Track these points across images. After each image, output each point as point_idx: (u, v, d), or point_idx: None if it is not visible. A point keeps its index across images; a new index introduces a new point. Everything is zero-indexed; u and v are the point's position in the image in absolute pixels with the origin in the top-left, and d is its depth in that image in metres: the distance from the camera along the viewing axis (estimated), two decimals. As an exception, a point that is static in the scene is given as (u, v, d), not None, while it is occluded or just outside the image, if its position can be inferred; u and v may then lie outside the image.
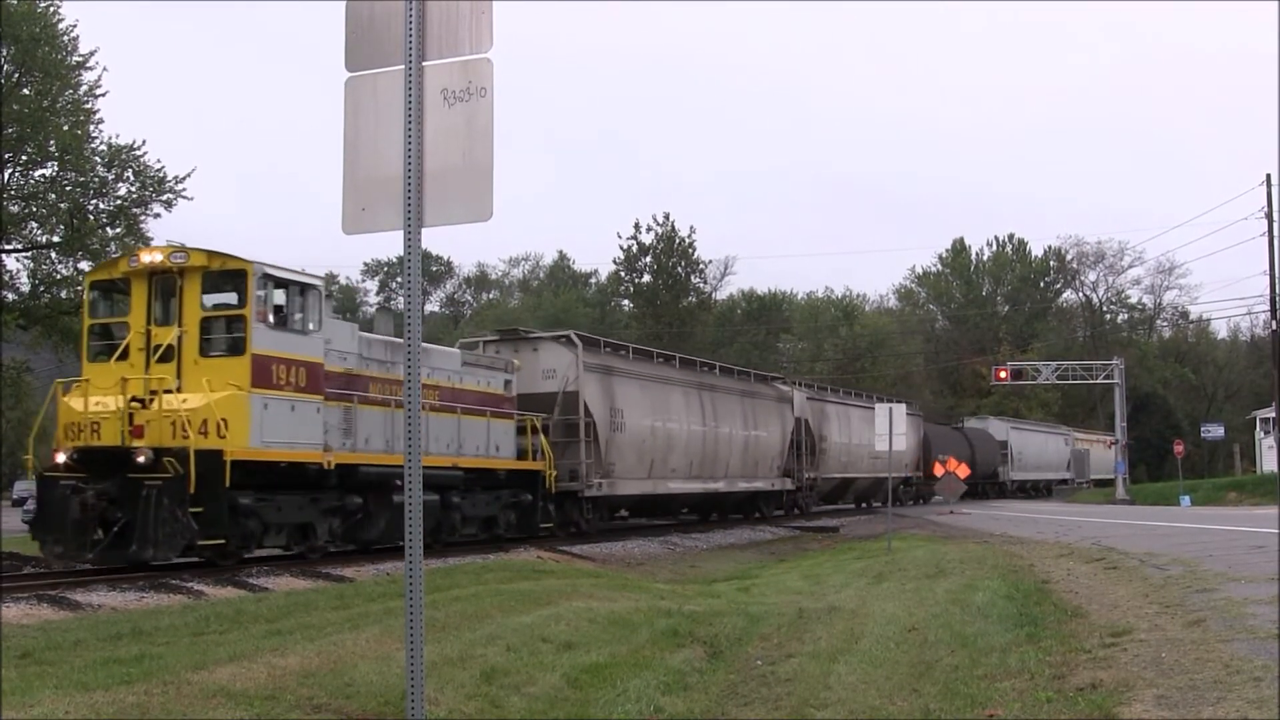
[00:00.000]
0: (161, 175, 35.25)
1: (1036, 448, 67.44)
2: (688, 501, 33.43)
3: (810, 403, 39.48)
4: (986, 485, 60.15)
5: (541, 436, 24.19)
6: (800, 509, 38.87)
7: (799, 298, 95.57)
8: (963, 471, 34.63)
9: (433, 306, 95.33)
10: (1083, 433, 78.96)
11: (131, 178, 35.04)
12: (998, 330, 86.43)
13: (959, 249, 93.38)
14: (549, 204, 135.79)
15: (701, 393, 31.71)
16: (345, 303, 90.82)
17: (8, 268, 33.21)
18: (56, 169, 34.42)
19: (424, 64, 5.53)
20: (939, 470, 36.85)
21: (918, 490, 51.55)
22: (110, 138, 35.02)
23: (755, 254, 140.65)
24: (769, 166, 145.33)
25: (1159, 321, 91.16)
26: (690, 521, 35.31)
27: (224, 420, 16.25)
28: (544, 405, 25.04)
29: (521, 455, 23.88)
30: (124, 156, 34.76)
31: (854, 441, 42.56)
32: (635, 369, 28.98)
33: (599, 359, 27.37)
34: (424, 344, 20.76)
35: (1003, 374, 65.23)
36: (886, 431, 24.90)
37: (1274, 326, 45.31)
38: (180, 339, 16.78)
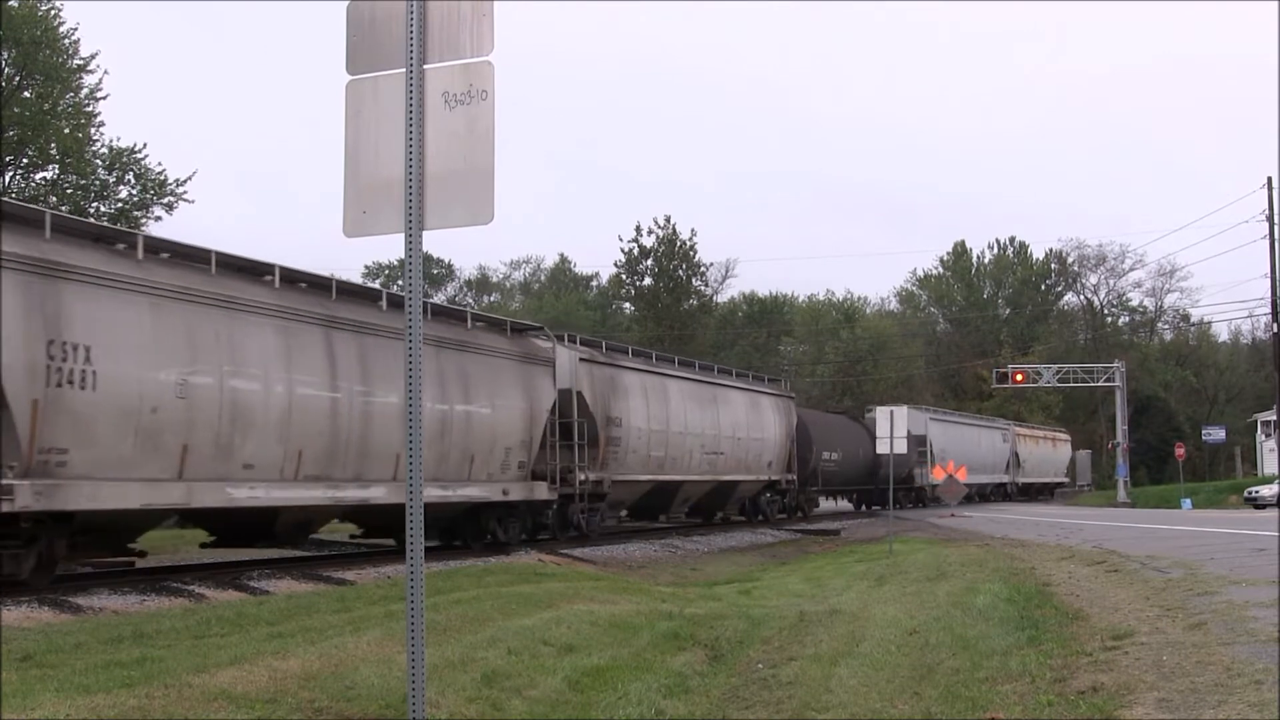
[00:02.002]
0: (163, 178, 35.35)
1: (967, 445, 55.71)
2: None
3: (590, 367, 25.74)
4: (896, 493, 50.18)
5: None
6: (566, 528, 24.80)
7: (800, 301, 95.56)
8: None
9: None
10: (1026, 428, 69.39)
11: (132, 180, 35.13)
12: (999, 333, 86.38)
13: (960, 252, 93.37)
14: (550, 207, 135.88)
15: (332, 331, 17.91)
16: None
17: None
18: (57, 172, 34.49)
19: (425, 67, 5.54)
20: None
21: (794, 502, 38.61)
22: (111, 140, 35.13)
23: (756, 257, 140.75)
24: (769, 170, 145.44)
25: (1160, 324, 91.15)
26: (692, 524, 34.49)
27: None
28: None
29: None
30: (125, 159, 34.85)
31: (675, 428, 29.13)
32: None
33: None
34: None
35: (1019, 376, 64.95)
36: (888, 434, 24.67)
37: (1275, 329, 45.31)
38: None
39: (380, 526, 21.01)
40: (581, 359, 25.48)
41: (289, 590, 15.23)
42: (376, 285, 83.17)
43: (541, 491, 22.87)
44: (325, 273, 19.38)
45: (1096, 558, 17.08)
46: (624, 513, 30.10)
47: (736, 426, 32.90)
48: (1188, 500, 49.80)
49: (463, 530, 22.21)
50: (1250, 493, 48.76)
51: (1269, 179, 45.75)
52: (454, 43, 5.53)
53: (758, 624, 11.96)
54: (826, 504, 49.85)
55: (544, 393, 23.20)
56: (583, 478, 24.68)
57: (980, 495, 59.00)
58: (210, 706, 7.33)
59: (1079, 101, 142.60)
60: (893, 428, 24.60)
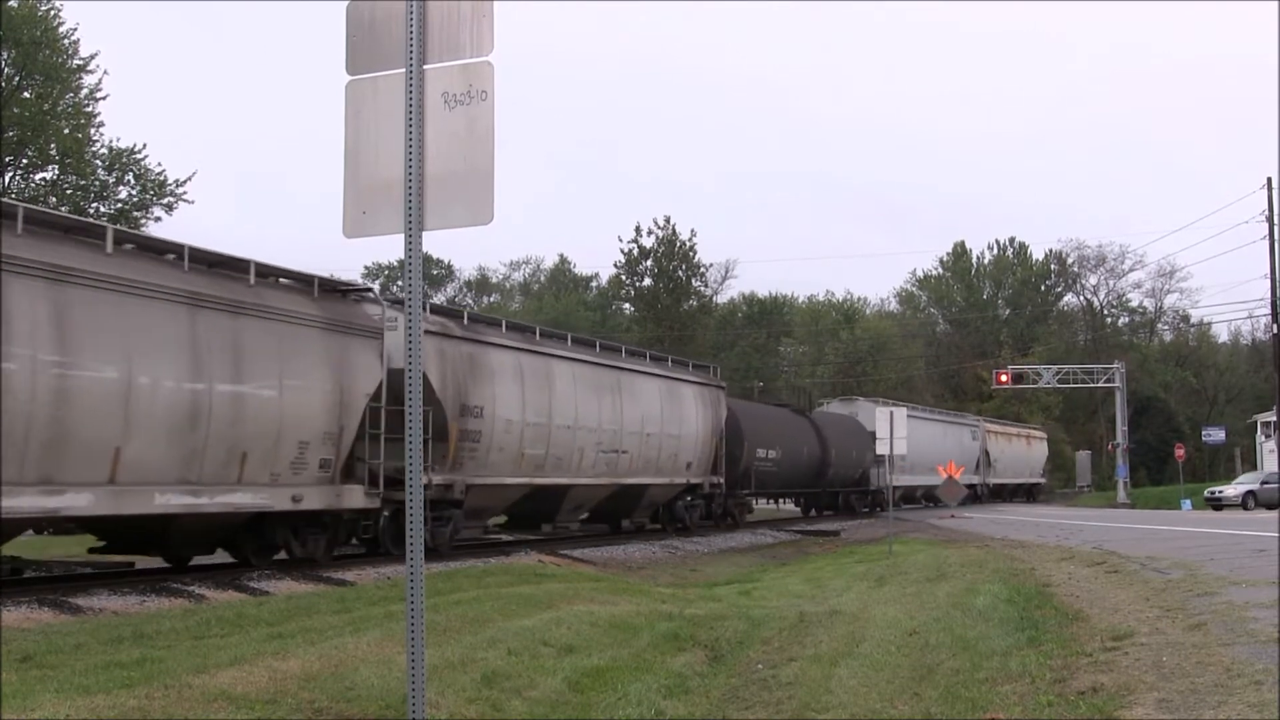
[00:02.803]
0: (162, 179, 35.39)
1: (930, 442, 49.66)
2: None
3: (440, 342, 20.52)
4: (850, 495, 44.70)
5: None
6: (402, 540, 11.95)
7: (800, 301, 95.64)
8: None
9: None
10: (998, 425, 65.33)
11: (132, 181, 35.16)
12: (999, 334, 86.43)
13: (960, 252, 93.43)
14: (550, 207, 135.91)
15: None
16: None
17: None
18: (57, 172, 34.54)
19: (425, 67, 5.54)
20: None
21: (721, 507, 32.41)
22: (111, 141, 35.16)
23: (756, 257, 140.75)
24: (769, 170, 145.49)
25: (1160, 325, 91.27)
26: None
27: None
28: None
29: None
30: (125, 160, 34.87)
31: (561, 421, 23.79)
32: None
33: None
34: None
35: (1004, 378, 65.16)
36: (887, 434, 24.60)
37: (1275, 330, 45.31)
38: None
39: (133, 538, 16.49)
40: (430, 331, 19.95)
41: (289, 591, 15.23)
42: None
43: (355, 498, 18.04)
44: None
45: (1096, 558, 17.07)
46: (493, 522, 25.31)
47: (647, 420, 27.67)
48: (1187, 501, 49.76)
49: (243, 543, 17.67)
50: (1212, 493, 46.89)
51: (1269, 179, 45.80)
52: (454, 43, 5.53)
53: (758, 625, 11.96)
54: (765, 506, 45.30)
55: (364, 371, 17.98)
56: (435, 480, 19.99)
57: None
58: (210, 707, 7.33)
59: (1079, 101, 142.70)
60: (892, 428, 24.53)
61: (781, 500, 44.71)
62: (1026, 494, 65.89)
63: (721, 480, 31.65)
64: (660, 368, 29.35)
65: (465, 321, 21.96)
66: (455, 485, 20.75)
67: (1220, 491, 46.40)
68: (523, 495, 23.38)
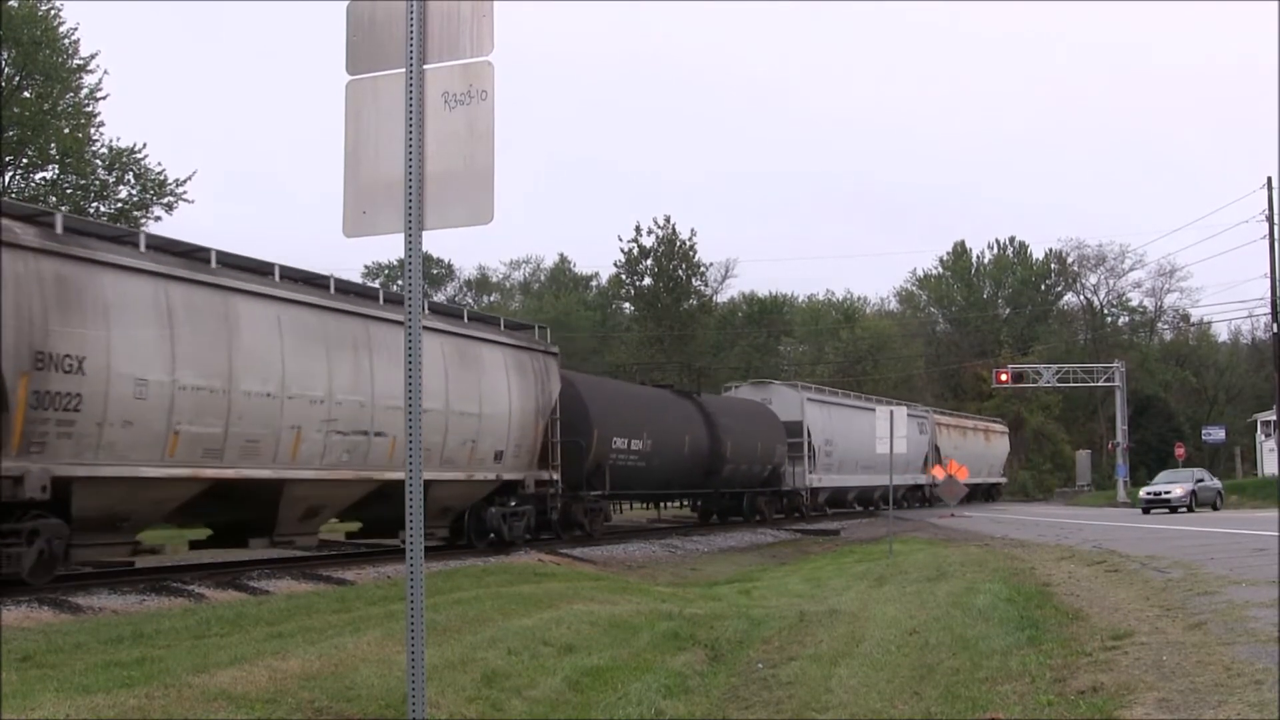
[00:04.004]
0: (162, 178, 35.41)
1: (864, 435, 37.91)
2: None
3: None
4: (757, 498, 35.72)
5: None
6: None
7: (800, 301, 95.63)
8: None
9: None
10: (951, 417, 57.70)
11: (132, 180, 35.18)
12: (999, 333, 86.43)
13: (960, 252, 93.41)
14: (550, 207, 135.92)
15: None
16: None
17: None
18: (57, 172, 34.55)
19: (425, 67, 5.54)
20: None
21: (563, 514, 25.14)
22: (111, 140, 35.18)
23: (756, 257, 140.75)
24: (769, 170, 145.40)
25: (1160, 324, 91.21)
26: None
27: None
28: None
29: None
30: (125, 159, 34.89)
31: (253, 386, 16.43)
32: None
33: None
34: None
35: (1004, 377, 65.13)
36: (888, 434, 24.41)
37: (1275, 329, 45.33)
38: None
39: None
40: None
41: (289, 590, 15.24)
42: (376, 285, 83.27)
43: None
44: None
45: (1096, 558, 17.09)
46: (140, 538, 16.32)
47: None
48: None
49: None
50: (1148, 493, 39.89)
51: (1269, 179, 45.80)
52: (454, 43, 5.53)
53: (758, 624, 11.96)
54: (637, 514, 38.85)
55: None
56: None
57: (884, 499, 44.80)
58: (210, 706, 7.34)
59: (1079, 101, 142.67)
60: (893, 428, 24.36)
61: (659, 506, 37.50)
62: (985, 495, 58.81)
63: (555, 477, 23.68)
64: (445, 321, 21.22)
65: (58, 228, 14.28)
66: (29, 478, 13.28)
67: (1169, 491, 39.27)
68: (198, 494, 15.99)
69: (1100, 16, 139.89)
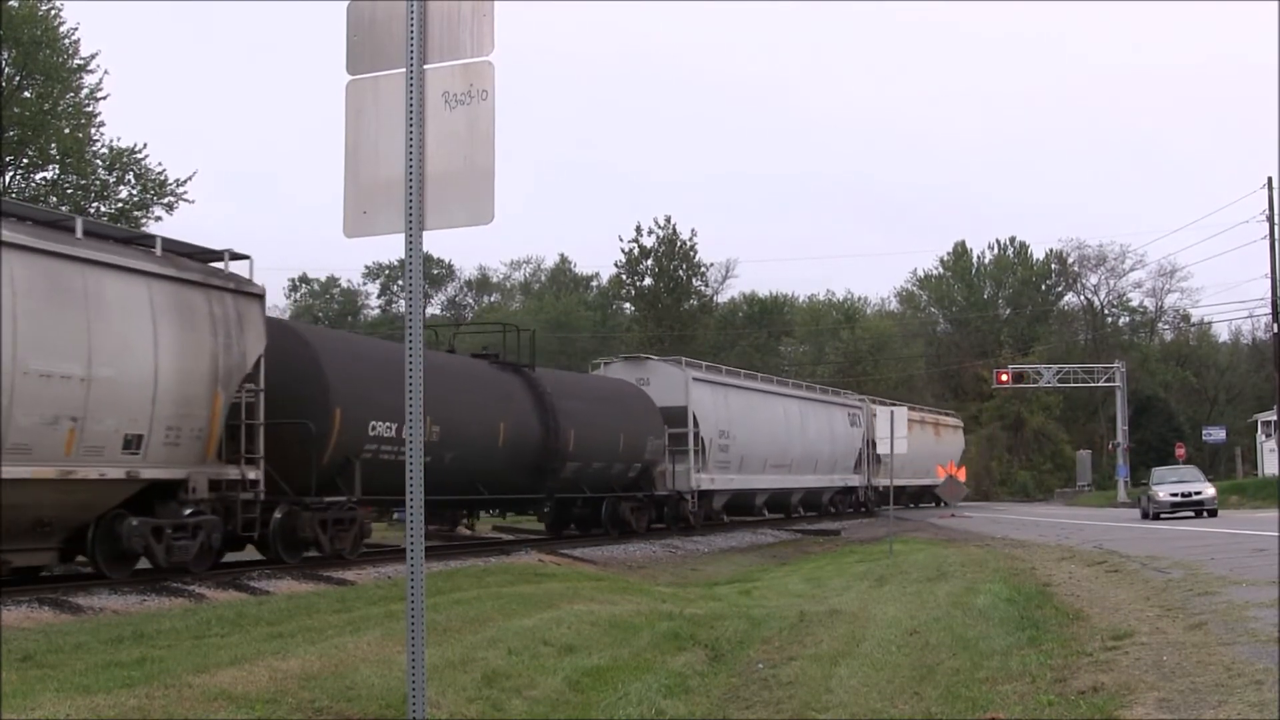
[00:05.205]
0: (163, 178, 35.40)
1: (772, 426, 34.97)
2: None
3: None
4: (620, 505, 27.38)
5: None
6: None
7: (800, 301, 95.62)
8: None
9: (434, 309, 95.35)
10: (888, 407, 43.59)
11: (133, 181, 35.18)
12: (999, 333, 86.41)
13: (960, 252, 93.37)
14: (550, 207, 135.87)
15: None
16: (347, 306, 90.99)
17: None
18: (58, 172, 34.55)
19: (425, 67, 5.54)
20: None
21: (279, 530, 17.43)
22: (111, 140, 35.18)
23: (756, 257, 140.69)
24: (770, 170, 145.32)
25: (1160, 324, 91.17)
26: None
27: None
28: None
29: None
30: (125, 159, 34.89)
31: None
32: None
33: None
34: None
35: (1004, 377, 65.07)
36: (888, 434, 24.11)
37: (1275, 329, 45.34)
38: None
39: None
40: None
41: (289, 590, 15.24)
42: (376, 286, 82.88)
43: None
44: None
45: (1097, 558, 17.10)
46: None
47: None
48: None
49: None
50: (1175, 493, 33.91)
51: (1269, 179, 45.80)
52: (454, 43, 5.53)
53: (758, 624, 11.96)
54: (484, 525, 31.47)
55: None
56: None
57: (807, 505, 39.25)
58: (210, 706, 7.34)
59: (1079, 101, 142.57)
60: (893, 427, 24.22)
61: (473, 516, 28.24)
62: (936, 499, 48.74)
63: (255, 476, 16.91)
64: (30, 232, 13.89)
65: None
66: None
67: (1182, 493, 33.90)
68: None
69: (1100, 16, 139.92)
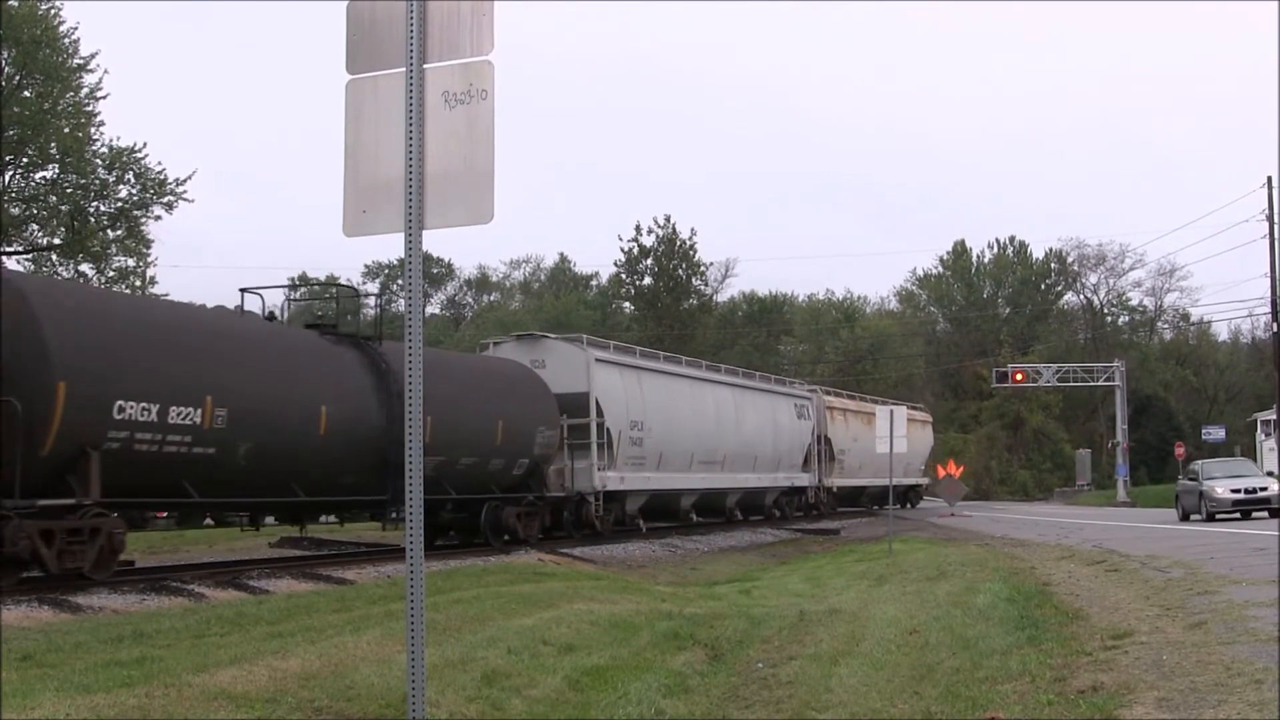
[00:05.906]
0: (162, 177, 35.37)
1: (697, 418, 30.51)
2: None
3: None
4: (500, 509, 22.58)
5: None
6: None
7: (800, 300, 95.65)
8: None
9: (434, 309, 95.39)
10: (850, 400, 44.98)
11: (132, 180, 35.15)
12: (999, 333, 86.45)
13: (960, 251, 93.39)
14: (550, 206, 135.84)
15: None
16: (346, 305, 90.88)
17: (8, 270, 33.07)
18: (57, 171, 34.52)
19: (425, 66, 5.54)
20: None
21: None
22: (111, 140, 35.15)
23: (756, 256, 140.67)
24: (770, 170, 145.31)
25: (1160, 324, 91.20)
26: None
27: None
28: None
29: None
30: (125, 159, 34.87)
31: None
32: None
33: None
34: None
35: (1019, 376, 64.74)
36: (888, 434, 24.03)
37: (1275, 329, 45.33)
38: None
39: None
40: None
41: (289, 590, 15.23)
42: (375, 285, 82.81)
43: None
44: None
45: (1096, 557, 17.09)
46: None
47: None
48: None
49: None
50: (1239, 490, 28.63)
51: (1269, 179, 45.71)
52: (454, 42, 5.53)
53: (758, 623, 11.96)
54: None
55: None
56: None
57: (746, 508, 35.09)
58: (210, 706, 7.34)
59: (1079, 101, 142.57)
60: (893, 426, 24.19)
61: (253, 520, 19.91)
62: (901, 499, 45.63)
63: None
64: None
65: None
66: None
67: (1261, 488, 29.11)
68: None
69: (1100, 16, 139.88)
